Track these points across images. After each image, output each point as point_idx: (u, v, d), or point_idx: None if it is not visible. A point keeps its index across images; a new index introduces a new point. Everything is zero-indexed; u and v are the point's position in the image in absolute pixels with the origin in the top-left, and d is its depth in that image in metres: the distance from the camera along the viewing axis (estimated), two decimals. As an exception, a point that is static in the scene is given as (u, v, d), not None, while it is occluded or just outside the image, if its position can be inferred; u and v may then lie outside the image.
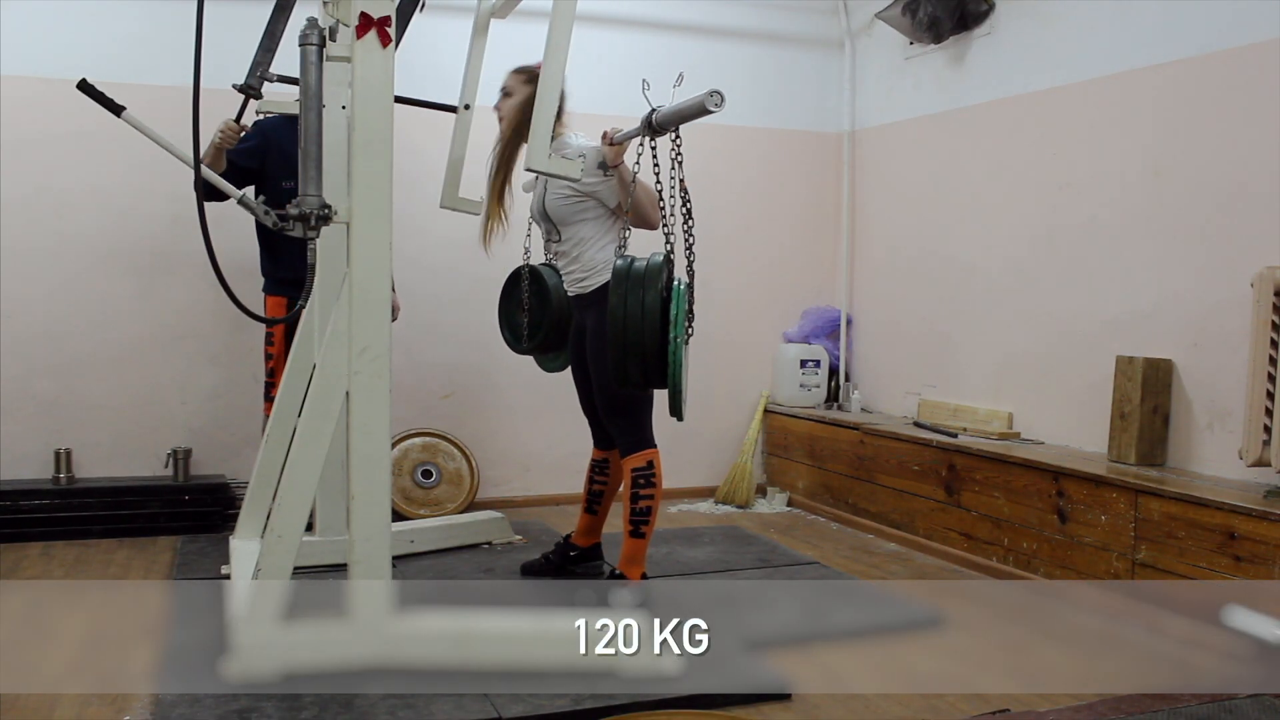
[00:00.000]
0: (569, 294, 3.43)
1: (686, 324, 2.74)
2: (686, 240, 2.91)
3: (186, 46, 2.52)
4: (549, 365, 3.79)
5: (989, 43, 4.51)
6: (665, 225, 2.94)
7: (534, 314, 3.64)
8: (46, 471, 4.20)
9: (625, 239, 3.18)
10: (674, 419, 2.87)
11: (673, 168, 2.86)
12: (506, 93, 3.42)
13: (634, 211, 3.19)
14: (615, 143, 3.17)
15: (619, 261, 2.83)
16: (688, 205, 2.89)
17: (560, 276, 3.57)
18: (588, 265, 3.30)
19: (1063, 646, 3.12)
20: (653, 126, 2.94)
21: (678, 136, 2.91)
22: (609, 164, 3.20)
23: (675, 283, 2.74)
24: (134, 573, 3.66)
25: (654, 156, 2.92)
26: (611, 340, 2.75)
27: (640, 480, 3.19)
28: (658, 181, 2.91)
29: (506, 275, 3.77)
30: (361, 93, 2.58)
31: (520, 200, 3.60)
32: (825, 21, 5.37)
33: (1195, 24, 3.59)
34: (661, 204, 2.98)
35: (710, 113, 2.77)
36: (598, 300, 3.19)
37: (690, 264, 2.92)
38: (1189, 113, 3.63)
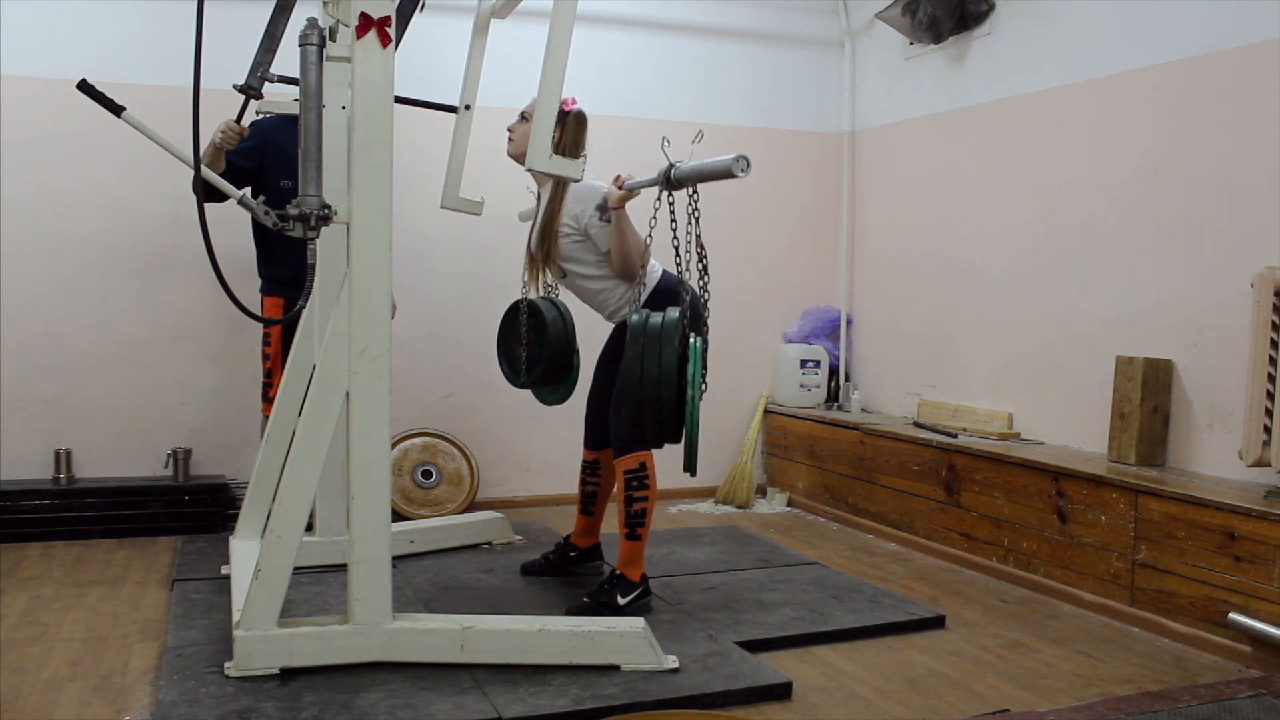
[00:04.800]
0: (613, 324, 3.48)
1: (702, 382, 2.74)
2: (703, 295, 2.91)
3: (186, 46, 2.52)
4: (547, 399, 3.79)
5: (989, 43, 4.51)
6: (683, 285, 2.91)
7: (532, 348, 3.64)
8: (46, 471, 4.20)
9: (640, 293, 3.16)
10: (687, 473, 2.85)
11: (690, 223, 2.84)
12: (525, 117, 3.40)
13: (616, 260, 3.23)
14: (624, 189, 3.15)
15: (634, 317, 2.81)
16: (704, 261, 2.89)
17: (559, 310, 3.59)
18: (616, 303, 3.35)
19: (1063, 647, 3.12)
20: (671, 181, 2.91)
21: (695, 192, 2.88)
22: (608, 206, 3.19)
23: (692, 341, 2.73)
24: (134, 573, 3.66)
25: (671, 211, 2.90)
26: (628, 398, 2.75)
27: (633, 482, 3.18)
28: (674, 237, 2.89)
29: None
30: (361, 93, 2.58)
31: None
32: (825, 21, 5.37)
33: (1195, 24, 3.59)
34: (677, 260, 2.96)
35: (735, 177, 2.72)
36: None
37: (705, 319, 2.92)
38: (1189, 113, 3.63)
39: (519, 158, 3.42)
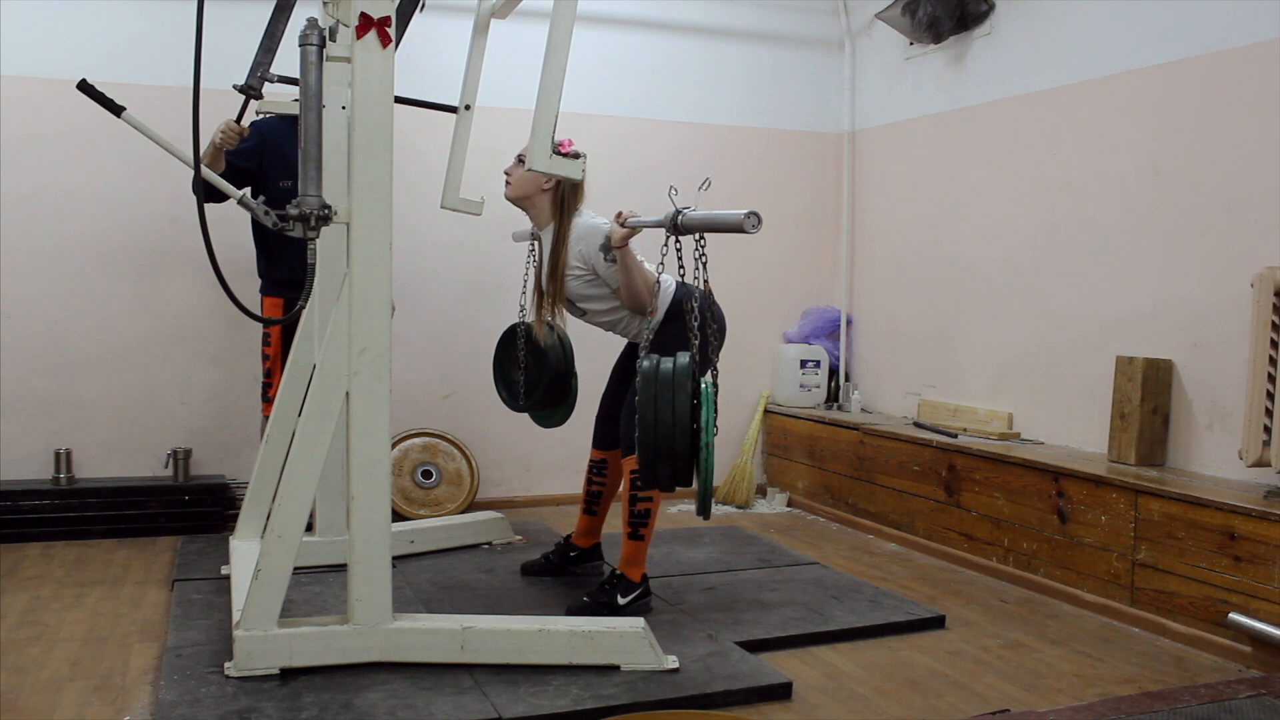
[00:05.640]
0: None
1: (713, 426, 2.72)
2: (714, 340, 2.89)
3: (186, 46, 2.52)
4: (546, 421, 3.79)
5: (989, 43, 4.51)
6: (691, 331, 2.89)
7: (530, 372, 3.64)
8: (46, 471, 4.20)
9: (652, 331, 3.15)
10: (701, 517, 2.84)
11: (697, 269, 2.81)
12: (521, 159, 3.37)
13: (626, 297, 3.22)
14: (626, 226, 3.12)
15: (645, 363, 2.80)
16: (714, 307, 2.88)
17: (557, 334, 3.59)
18: (638, 328, 3.34)
19: (1063, 647, 3.12)
20: (678, 228, 2.89)
21: (702, 239, 2.83)
22: (613, 244, 3.16)
23: (704, 386, 2.72)
24: (134, 573, 3.66)
25: (679, 256, 2.89)
26: (641, 444, 2.74)
27: (638, 482, 3.18)
28: (682, 283, 2.86)
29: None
30: (361, 93, 2.58)
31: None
32: (825, 21, 5.37)
33: (1196, 24, 3.60)
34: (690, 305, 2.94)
35: (744, 232, 2.67)
36: (657, 340, 3.21)
37: (715, 365, 2.90)
38: (1189, 113, 3.63)
39: (517, 201, 3.41)
